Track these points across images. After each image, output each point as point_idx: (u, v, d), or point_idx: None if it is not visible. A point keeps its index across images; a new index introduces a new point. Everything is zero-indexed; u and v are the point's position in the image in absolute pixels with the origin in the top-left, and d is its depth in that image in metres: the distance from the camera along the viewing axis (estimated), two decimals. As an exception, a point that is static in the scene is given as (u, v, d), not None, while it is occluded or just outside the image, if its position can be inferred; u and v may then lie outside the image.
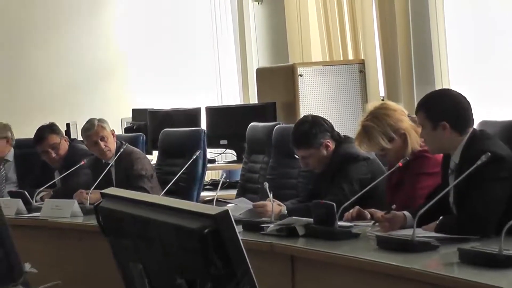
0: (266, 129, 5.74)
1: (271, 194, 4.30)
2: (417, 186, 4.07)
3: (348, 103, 7.20)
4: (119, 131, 7.85)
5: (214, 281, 1.84)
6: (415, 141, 4.11)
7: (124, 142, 5.76)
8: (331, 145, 4.54)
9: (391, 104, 4.27)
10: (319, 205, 3.90)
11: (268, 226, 3.97)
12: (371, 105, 4.28)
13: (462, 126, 3.67)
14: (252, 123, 5.97)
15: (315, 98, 7.17)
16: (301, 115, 5.38)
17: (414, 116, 4.10)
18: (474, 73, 6.48)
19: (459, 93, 3.76)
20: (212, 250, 1.81)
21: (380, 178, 4.12)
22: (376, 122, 4.14)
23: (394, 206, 3.76)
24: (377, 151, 4.24)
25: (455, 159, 3.69)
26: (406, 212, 3.74)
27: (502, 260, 2.92)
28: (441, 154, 3.89)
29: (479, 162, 3.46)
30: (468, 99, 3.73)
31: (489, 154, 3.46)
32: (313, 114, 4.78)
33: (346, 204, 3.86)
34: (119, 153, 5.62)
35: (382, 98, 6.95)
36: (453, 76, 6.58)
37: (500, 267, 2.91)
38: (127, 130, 7.92)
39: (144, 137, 6.45)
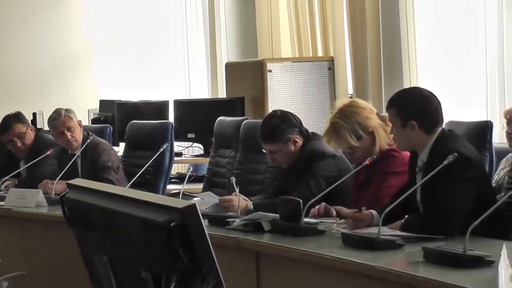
0: (234, 124, 5.73)
1: (238, 189, 4.30)
2: (384, 185, 4.09)
3: (317, 100, 7.19)
4: (86, 122, 7.80)
5: (179, 275, 1.83)
6: (383, 140, 4.12)
7: (90, 133, 5.72)
8: (299, 141, 4.53)
9: (360, 102, 4.27)
10: (285, 201, 3.89)
11: (234, 221, 3.96)
12: (340, 102, 4.28)
13: (431, 126, 3.67)
14: (220, 117, 5.96)
15: (284, 94, 7.15)
16: (270, 111, 5.36)
17: (383, 114, 4.11)
18: (443, 73, 6.52)
19: (430, 92, 3.77)
20: (178, 244, 1.80)
21: (347, 175, 4.12)
22: (345, 119, 4.14)
23: (364, 208, 3.77)
24: (345, 148, 4.24)
25: (423, 157, 3.70)
26: (373, 211, 3.75)
27: (466, 260, 2.94)
28: (408, 153, 3.90)
29: (445, 162, 3.47)
30: (438, 99, 3.74)
31: (456, 154, 3.48)
32: (282, 109, 4.78)
33: (312, 200, 3.85)
34: (86, 144, 5.58)
35: (350, 95, 6.96)
36: (421, 75, 6.61)
37: (464, 267, 2.92)
38: (94, 121, 7.87)
39: (111, 129, 6.41)
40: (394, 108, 3.72)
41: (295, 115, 4.65)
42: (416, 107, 3.68)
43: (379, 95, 6.79)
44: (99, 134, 5.96)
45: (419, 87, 4.05)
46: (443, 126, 3.76)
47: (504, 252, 2.68)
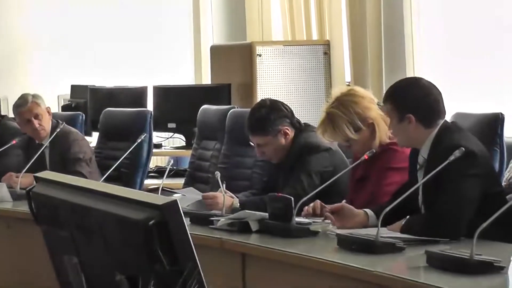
0: (219, 113, 5.73)
1: (223, 185, 4.30)
2: (383, 182, 4.10)
3: (311, 88, 7.21)
4: (55, 109, 7.78)
5: (158, 278, 1.83)
6: (384, 133, 4.13)
7: (60, 122, 5.71)
8: (290, 133, 4.54)
9: (359, 90, 4.28)
10: (275, 199, 3.91)
11: (219, 220, 3.97)
12: (337, 90, 4.29)
13: (431, 119, 3.70)
14: (204, 106, 5.96)
15: (275, 80, 7.17)
16: (259, 99, 5.39)
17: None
18: (451, 60, 6.54)
19: (430, 82, 3.79)
20: (158, 244, 1.80)
21: (343, 171, 4.13)
22: (342, 109, 4.15)
23: (344, 201, 3.79)
24: (341, 141, 4.25)
25: (424, 153, 3.72)
26: (368, 210, 3.77)
27: (473, 266, 2.94)
28: (409, 148, 3.92)
29: (452, 158, 3.49)
30: (439, 89, 3.76)
31: (463, 149, 3.50)
32: (272, 98, 4.79)
33: (304, 198, 3.85)
34: (55, 133, 5.57)
35: (348, 83, 6.99)
36: (426, 63, 6.63)
37: (471, 273, 2.92)
38: (64, 108, 7.87)
39: (84, 117, 6.41)
40: (389, 102, 3.75)
41: (286, 105, 4.66)
42: (413, 99, 3.71)
43: (380, 83, 6.83)
44: (70, 122, 5.95)
45: (416, 77, 4.10)
46: (450, 118, 3.81)
47: None
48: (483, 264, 2.95)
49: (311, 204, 3.98)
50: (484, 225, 2.99)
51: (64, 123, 5.71)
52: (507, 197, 3.77)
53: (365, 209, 3.76)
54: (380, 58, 6.88)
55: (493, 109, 4.81)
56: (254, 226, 3.85)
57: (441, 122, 3.71)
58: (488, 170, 3.68)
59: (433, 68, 6.55)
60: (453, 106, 4.88)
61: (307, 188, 4.25)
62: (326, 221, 3.88)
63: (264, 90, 7.00)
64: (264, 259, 3.60)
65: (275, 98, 4.79)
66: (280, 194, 4.01)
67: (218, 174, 4.39)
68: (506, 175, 4.49)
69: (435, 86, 3.77)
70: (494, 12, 6.14)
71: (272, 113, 4.54)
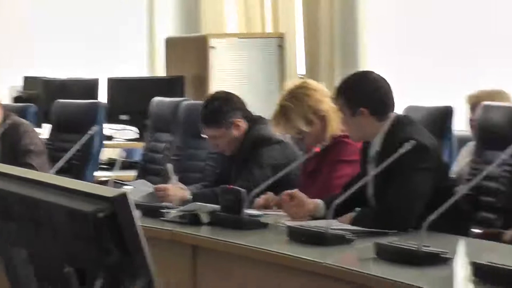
0: (172, 105, 5.72)
1: (175, 177, 4.30)
2: (335, 174, 4.13)
3: (264, 81, 7.21)
4: (7, 100, 7.68)
5: (107, 270, 1.82)
6: (336, 125, 4.15)
7: (11, 113, 5.65)
8: (243, 125, 4.55)
9: (312, 83, 4.30)
10: (226, 191, 3.91)
11: (170, 212, 3.97)
12: (291, 83, 4.32)
13: (383, 112, 3.73)
14: (157, 98, 5.94)
15: (228, 73, 7.15)
16: (212, 91, 5.36)
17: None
18: (401, 56, 6.60)
19: (379, 75, 3.82)
20: (107, 237, 1.79)
21: (295, 163, 4.15)
22: (295, 102, 4.18)
23: (297, 190, 3.82)
24: (294, 134, 4.28)
25: (376, 146, 3.75)
26: (319, 201, 3.79)
27: (422, 257, 2.96)
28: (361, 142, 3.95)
29: (402, 151, 3.52)
30: (388, 82, 3.79)
31: (414, 142, 3.53)
32: (225, 90, 4.79)
33: (256, 190, 3.87)
34: (5, 125, 5.51)
35: (301, 76, 7.01)
36: (378, 58, 6.67)
37: (419, 265, 2.94)
38: (16, 99, 7.78)
39: (35, 109, 6.35)
40: (342, 97, 3.78)
41: (239, 97, 4.66)
42: (363, 92, 3.73)
43: (332, 76, 6.87)
44: (21, 114, 5.89)
45: (365, 71, 4.13)
46: (402, 112, 3.83)
47: (461, 249, 2.68)
48: (431, 256, 2.98)
49: (263, 196, 3.98)
50: (432, 217, 3.03)
51: (15, 114, 5.64)
52: (456, 189, 3.80)
53: (316, 200, 3.78)
54: (333, 51, 6.90)
55: (443, 102, 4.86)
56: (205, 218, 3.84)
57: (392, 115, 3.74)
58: (439, 163, 3.71)
59: (385, 63, 6.58)
60: (405, 100, 4.94)
61: (258, 181, 4.23)
62: (278, 212, 3.89)
63: (218, 83, 6.98)
64: (215, 251, 3.60)
65: (229, 91, 4.79)
66: (231, 186, 4.01)
67: (170, 166, 4.38)
68: (455, 168, 4.54)
69: (384, 79, 3.80)
70: (444, 7, 6.18)
71: (226, 105, 4.54)
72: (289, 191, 3.82)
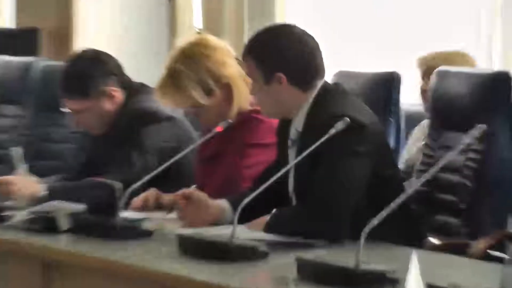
0: (21, 67, 5.77)
1: (24, 165, 4.29)
2: (243, 162, 4.15)
3: (149, 37, 7.30)
4: None
5: None
6: (244, 97, 4.16)
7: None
8: (119, 95, 4.54)
9: (213, 40, 4.30)
10: (95, 185, 3.98)
11: (15, 215, 3.92)
12: (183, 40, 4.32)
13: (306, 79, 3.75)
14: (1, 56, 5.97)
15: (99, 26, 7.18)
16: (77, 50, 5.30)
17: None
18: (329, 6, 6.64)
19: (303, 31, 3.81)
20: None
21: (189, 147, 4.09)
22: (189, 65, 4.18)
23: (194, 186, 3.86)
24: (187, 107, 4.27)
25: (297, 125, 3.75)
26: (222, 201, 3.79)
27: (360, 278, 2.95)
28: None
29: (332, 131, 3.51)
30: (315, 40, 3.80)
31: (347, 119, 3.53)
32: (95, 49, 4.76)
33: (137, 185, 3.82)
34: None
35: (198, 31, 7.05)
36: (300, 7, 6.69)
37: (356, 286, 2.95)
38: None
39: None
40: (252, 57, 3.78)
41: (114, 58, 4.65)
42: (282, 53, 3.74)
43: (240, 31, 6.91)
44: None
45: (286, 24, 4.14)
46: (330, 79, 3.92)
47: (413, 265, 2.69)
48: (372, 276, 2.96)
49: (143, 194, 4.00)
50: (374, 222, 3.01)
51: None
52: (405, 184, 3.86)
53: (220, 201, 3.81)
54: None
55: (385, 68, 4.88)
56: (63, 224, 3.77)
57: (320, 83, 3.75)
58: (380, 148, 3.73)
59: (310, 15, 6.67)
60: (336, 64, 4.93)
61: (139, 171, 4.23)
62: (167, 216, 3.93)
63: (85, 39, 7.03)
64: (76, 268, 3.55)
65: (99, 49, 4.76)
66: (102, 178, 4.02)
67: (17, 150, 4.34)
68: (404, 155, 4.54)
69: (311, 35, 3.80)
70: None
71: (95, 68, 4.54)
72: (185, 190, 3.83)
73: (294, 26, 3.87)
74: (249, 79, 3.90)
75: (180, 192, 3.84)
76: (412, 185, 3.51)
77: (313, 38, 3.79)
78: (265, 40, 3.82)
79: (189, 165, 4.34)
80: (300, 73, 3.74)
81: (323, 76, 3.77)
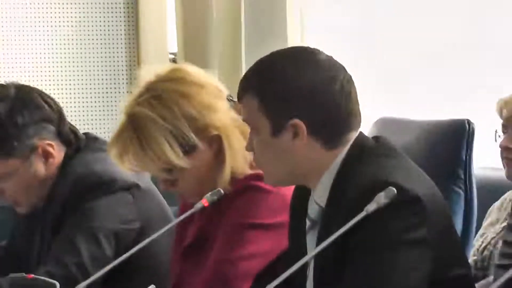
0: None
1: None
2: (239, 252, 4.18)
3: (104, 64, 7.47)
4: None
5: None
6: (241, 155, 4.18)
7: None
8: (57, 153, 4.62)
9: (193, 72, 4.34)
10: (21, 285, 3.91)
11: None
12: (151, 71, 4.34)
13: (335, 130, 3.72)
14: None
15: (22, 49, 7.33)
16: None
17: None
18: (368, 26, 6.75)
19: (331, 59, 3.77)
20: None
21: (161, 230, 4.04)
22: (160, 109, 4.21)
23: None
24: (157, 172, 4.27)
25: (319, 198, 3.73)
26: None
27: None
28: (291, 188, 3.95)
29: (372, 207, 3.47)
30: (349, 73, 3.75)
31: (393, 190, 3.49)
32: (20, 82, 4.80)
33: (84, 284, 3.74)
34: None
35: (173, 57, 7.26)
36: (329, 23, 6.78)
37: None
38: None
39: None
40: (254, 95, 3.74)
41: (49, 97, 4.73)
42: (301, 91, 3.71)
43: (237, 58, 6.94)
44: None
45: (306, 48, 4.01)
46: (368, 130, 3.93)
47: None
48: None
49: None
50: None
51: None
52: (478, 284, 3.92)
53: None
54: (236, 10, 6.99)
55: (448, 114, 4.90)
56: None
57: (354, 136, 3.73)
58: (443, 232, 3.70)
59: (335, 33, 6.79)
60: (374, 107, 4.97)
61: (87, 263, 4.36)
62: None
63: (7, 67, 7.15)
64: None
65: (27, 84, 4.83)
66: (32, 275, 4.01)
67: None
68: (476, 242, 4.54)
69: (342, 66, 3.77)
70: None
71: (19, 113, 4.61)
72: None
73: (319, 52, 3.80)
74: (247, 128, 3.87)
75: None
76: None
77: (345, 70, 3.75)
78: (274, 70, 3.76)
79: (160, 256, 4.41)
80: (326, 122, 3.69)
81: (358, 125, 3.74)
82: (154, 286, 4.06)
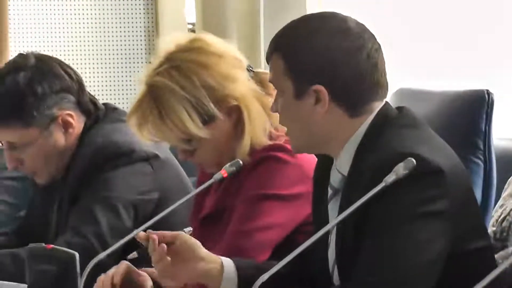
0: None
1: None
2: (253, 224, 4.19)
3: (123, 36, 7.50)
4: None
5: None
6: (260, 125, 4.19)
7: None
8: (76, 124, 4.62)
9: (213, 42, 4.32)
10: (42, 254, 3.90)
11: None
12: (170, 41, 4.33)
13: (359, 98, 3.70)
14: None
15: (41, 23, 7.36)
16: (10, 55, 5.30)
17: (262, 70, 4.18)
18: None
19: (359, 24, 3.76)
20: None
21: (179, 201, 4.02)
22: (179, 80, 4.20)
23: (189, 229, 3.96)
24: (176, 142, 4.26)
25: (342, 167, 3.73)
26: (225, 259, 3.83)
27: None
28: (312, 158, 3.97)
29: (392, 178, 3.46)
30: (377, 40, 3.75)
31: (412, 161, 3.47)
32: (40, 53, 4.79)
33: (103, 254, 3.76)
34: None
35: (191, 27, 7.26)
36: None
37: None
38: None
39: None
40: (281, 56, 3.74)
41: (69, 67, 4.72)
42: (326, 57, 3.69)
43: (256, 28, 6.92)
44: None
45: (332, 14, 3.96)
46: (391, 99, 3.90)
47: None
48: None
49: (112, 270, 4.02)
50: None
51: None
52: (498, 255, 3.88)
53: (223, 258, 3.84)
54: None
55: (468, 84, 4.88)
56: None
57: (379, 106, 3.72)
58: (464, 204, 3.68)
59: (358, 5, 6.74)
60: (395, 77, 4.95)
61: (106, 233, 4.36)
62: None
63: (25, 37, 7.13)
64: None
65: (45, 54, 4.82)
66: (51, 245, 3.96)
67: None
68: (495, 213, 4.53)
69: (369, 31, 3.76)
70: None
71: (38, 83, 4.59)
72: (167, 232, 3.78)
73: (349, 20, 3.77)
74: (268, 99, 3.93)
75: (160, 233, 3.77)
76: (510, 259, 3.51)
77: (374, 38, 3.74)
78: (302, 35, 3.75)
79: (178, 227, 4.29)
80: (350, 89, 3.68)
81: (384, 95, 3.73)
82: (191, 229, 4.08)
